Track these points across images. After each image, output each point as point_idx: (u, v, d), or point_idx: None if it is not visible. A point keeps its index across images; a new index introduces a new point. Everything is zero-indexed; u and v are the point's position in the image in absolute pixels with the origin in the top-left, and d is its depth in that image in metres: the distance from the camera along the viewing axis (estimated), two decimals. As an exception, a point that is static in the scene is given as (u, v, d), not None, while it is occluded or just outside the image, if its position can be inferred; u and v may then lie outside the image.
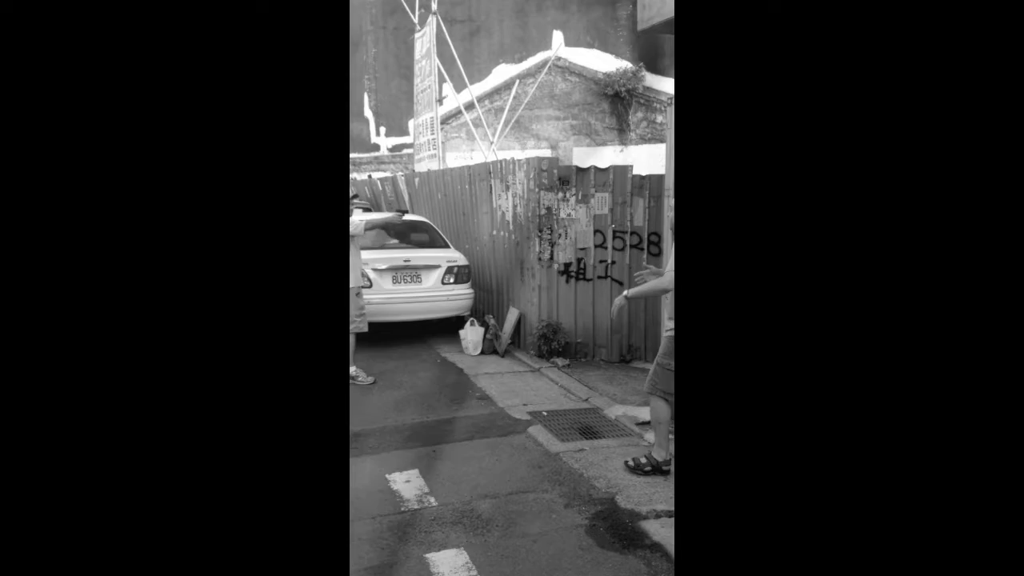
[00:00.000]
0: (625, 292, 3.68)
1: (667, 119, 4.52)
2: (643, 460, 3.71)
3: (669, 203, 4.54)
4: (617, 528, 3.15)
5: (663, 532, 3.10)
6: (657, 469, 3.68)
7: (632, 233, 6.34)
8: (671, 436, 3.79)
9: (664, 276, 3.49)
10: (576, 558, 2.89)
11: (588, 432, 4.48)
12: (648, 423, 4.57)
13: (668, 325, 3.69)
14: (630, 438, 4.37)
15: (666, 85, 10.02)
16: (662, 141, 4.66)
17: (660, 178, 5.83)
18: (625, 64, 10.00)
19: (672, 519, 3.24)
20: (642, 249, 6.36)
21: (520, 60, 9.87)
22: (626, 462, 3.74)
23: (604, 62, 10.07)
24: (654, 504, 3.39)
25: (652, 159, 9.03)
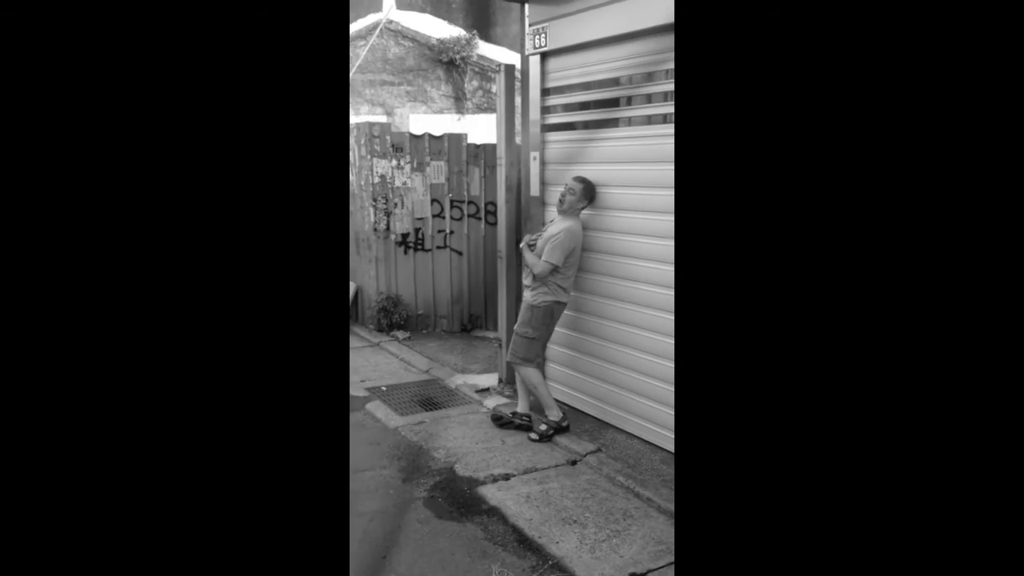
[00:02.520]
0: (521, 244, 3.96)
1: (498, 87, 4.50)
2: (543, 428, 3.83)
3: (503, 173, 4.56)
4: (455, 497, 3.17)
5: (499, 496, 3.17)
6: (560, 428, 3.85)
7: (469, 203, 6.35)
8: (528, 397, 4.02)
9: (539, 263, 3.76)
10: (414, 532, 2.86)
11: (429, 404, 4.45)
12: (487, 390, 4.65)
13: (527, 296, 3.90)
14: (470, 406, 4.41)
15: (499, 54, 10.04)
16: (495, 111, 4.62)
17: (494, 147, 5.85)
18: (459, 31, 9.84)
19: (508, 481, 3.33)
20: (480, 219, 6.39)
21: (350, 21, 9.36)
22: (529, 437, 3.83)
23: (438, 28, 9.84)
24: (491, 469, 3.45)
25: (490, 128, 9.03)
